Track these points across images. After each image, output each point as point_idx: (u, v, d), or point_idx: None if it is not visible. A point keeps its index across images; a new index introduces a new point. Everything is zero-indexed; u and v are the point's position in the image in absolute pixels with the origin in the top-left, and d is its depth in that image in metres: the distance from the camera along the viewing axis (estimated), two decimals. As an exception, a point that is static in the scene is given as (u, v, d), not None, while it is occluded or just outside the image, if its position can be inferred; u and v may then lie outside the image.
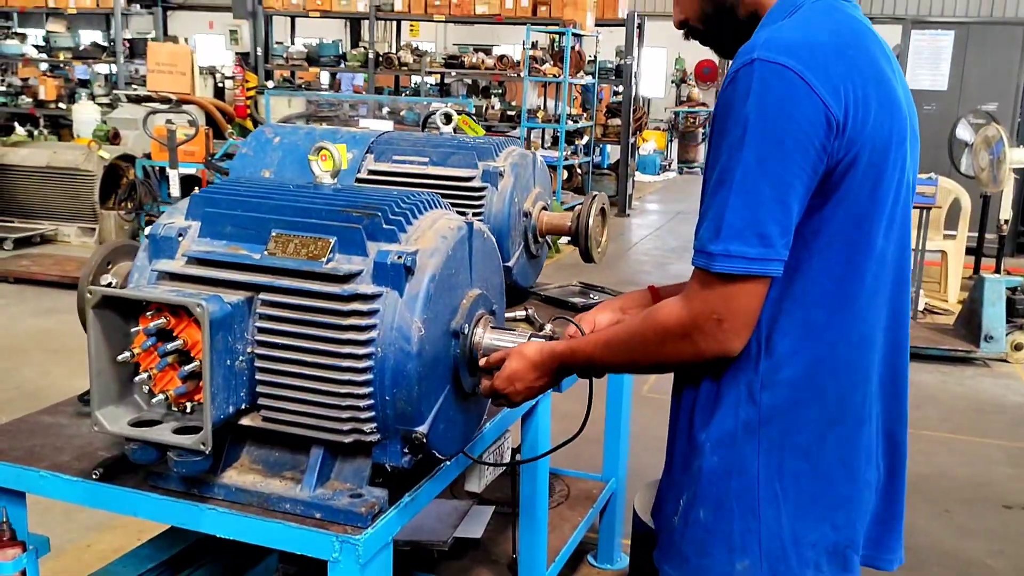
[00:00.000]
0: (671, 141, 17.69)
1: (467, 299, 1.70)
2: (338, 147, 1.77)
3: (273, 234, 1.64)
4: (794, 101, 1.25)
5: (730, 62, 1.42)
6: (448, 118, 3.03)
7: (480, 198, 2.67)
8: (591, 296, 3.13)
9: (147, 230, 1.72)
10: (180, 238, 1.70)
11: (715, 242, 1.28)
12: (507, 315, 2.44)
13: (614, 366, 1.52)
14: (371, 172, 2.79)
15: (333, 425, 1.59)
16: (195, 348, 1.56)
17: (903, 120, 1.37)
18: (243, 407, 1.63)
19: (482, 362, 1.67)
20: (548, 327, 1.70)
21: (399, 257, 1.56)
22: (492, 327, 1.74)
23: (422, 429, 1.60)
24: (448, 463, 1.78)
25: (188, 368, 1.54)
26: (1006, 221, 7.27)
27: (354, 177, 2.76)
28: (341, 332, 1.56)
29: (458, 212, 1.78)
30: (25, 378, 5.28)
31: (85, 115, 10.31)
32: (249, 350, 1.61)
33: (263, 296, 1.61)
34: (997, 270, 7.07)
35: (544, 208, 2.90)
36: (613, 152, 13.43)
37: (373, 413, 1.58)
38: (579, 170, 11.92)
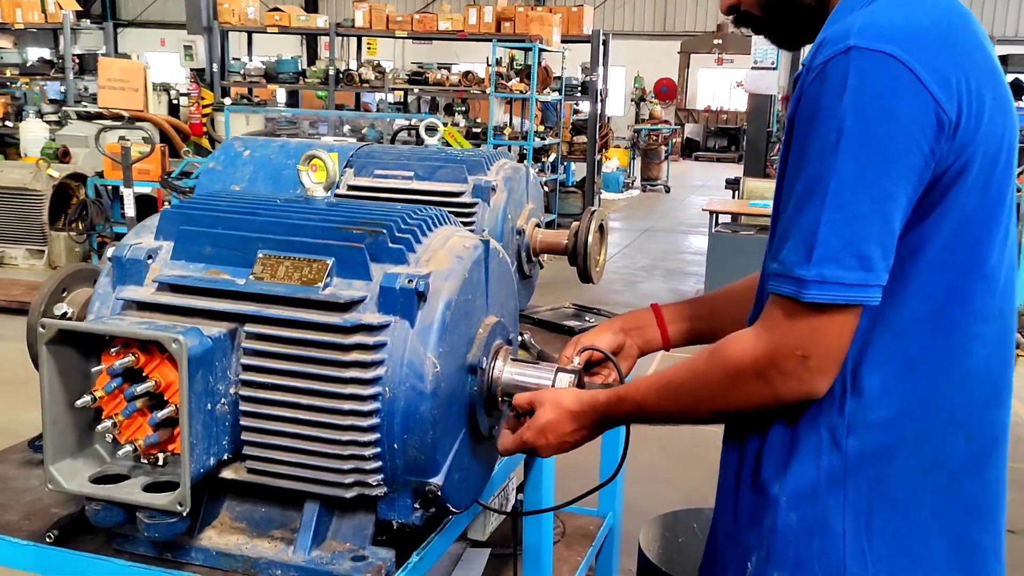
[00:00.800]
0: (633, 159, 17.65)
1: (483, 328, 1.49)
2: (331, 156, 1.56)
3: (260, 255, 1.42)
4: (900, 97, 1.06)
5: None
6: (433, 129, 2.81)
7: (471, 215, 2.45)
8: (586, 318, 2.94)
9: (109, 252, 1.48)
10: (150, 261, 1.46)
11: (806, 266, 1.09)
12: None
13: (667, 415, 1.30)
14: (351, 187, 2.56)
15: (333, 478, 1.37)
16: (168, 390, 1.33)
17: (1014, 119, 1.19)
18: (225, 457, 1.40)
19: (511, 412, 1.45)
20: (577, 360, 1.49)
21: (409, 281, 1.34)
22: (512, 359, 1.52)
23: (437, 480, 1.38)
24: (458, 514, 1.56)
25: (162, 414, 1.31)
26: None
27: (332, 193, 2.54)
28: (342, 369, 1.34)
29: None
30: (-33, 412, 4.93)
31: (33, 133, 9.92)
32: (232, 391, 1.39)
33: (249, 328, 1.38)
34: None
35: (537, 225, 2.71)
36: (578, 170, 13.32)
37: (380, 463, 1.36)
38: (545, 188, 11.78)
